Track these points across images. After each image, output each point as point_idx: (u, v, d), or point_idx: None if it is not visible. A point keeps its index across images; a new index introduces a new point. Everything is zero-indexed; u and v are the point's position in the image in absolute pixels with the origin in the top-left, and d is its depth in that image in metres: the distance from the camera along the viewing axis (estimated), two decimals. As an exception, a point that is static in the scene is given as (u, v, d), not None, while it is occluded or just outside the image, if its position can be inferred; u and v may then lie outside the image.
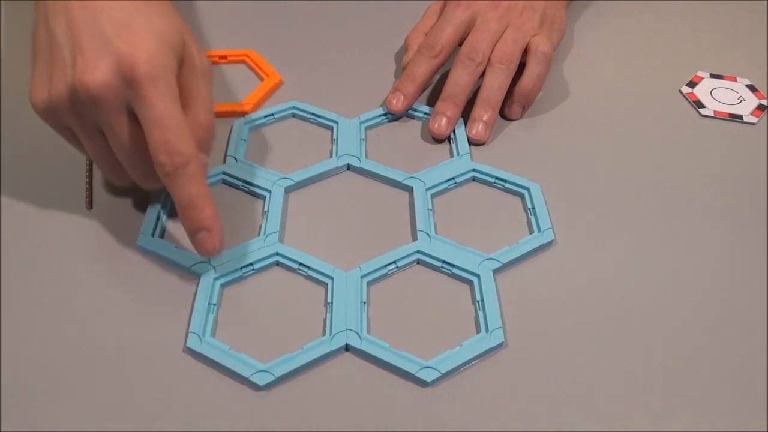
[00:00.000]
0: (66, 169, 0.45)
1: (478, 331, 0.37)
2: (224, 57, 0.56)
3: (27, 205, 0.43)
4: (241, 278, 0.39)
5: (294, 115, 0.51)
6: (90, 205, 0.43)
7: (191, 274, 0.39)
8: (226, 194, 0.44)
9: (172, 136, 0.34)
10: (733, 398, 0.34)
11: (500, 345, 0.36)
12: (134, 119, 0.36)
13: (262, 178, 0.44)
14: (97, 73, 0.34)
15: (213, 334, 0.36)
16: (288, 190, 0.44)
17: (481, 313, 0.37)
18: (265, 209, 0.43)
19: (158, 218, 0.42)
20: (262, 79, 0.54)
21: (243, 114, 0.50)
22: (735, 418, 0.34)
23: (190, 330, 0.36)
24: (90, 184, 0.43)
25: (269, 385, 0.34)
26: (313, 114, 0.50)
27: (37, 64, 0.37)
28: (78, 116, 0.36)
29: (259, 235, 0.41)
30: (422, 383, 0.34)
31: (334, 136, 0.48)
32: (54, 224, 0.42)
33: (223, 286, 0.39)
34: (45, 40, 0.37)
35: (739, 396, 0.34)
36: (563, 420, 0.33)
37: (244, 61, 0.56)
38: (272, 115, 0.50)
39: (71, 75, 0.35)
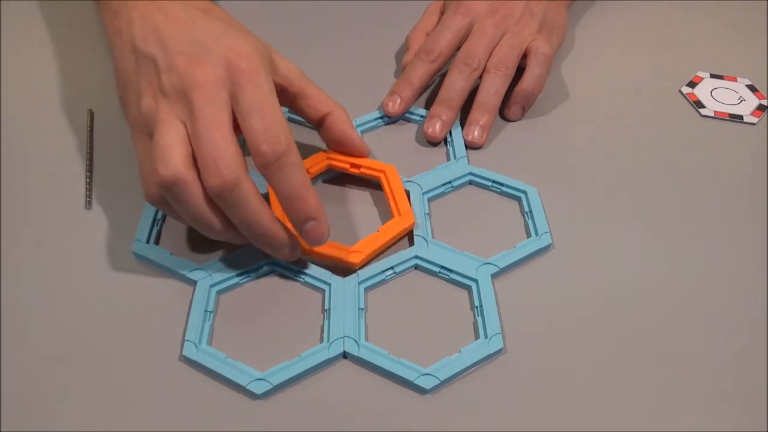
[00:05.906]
0: (66, 169, 0.45)
1: (477, 337, 0.36)
2: None
3: (27, 205, 0.43)
4: (237, 285, 0.39)
5: (288, 120, 0.50)
6: (89, 205, 0.43)
7: (187, 281, 0.39)
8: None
9: (272, 123, 0.34)
10: (733, 398, 0.34)
11: (499, 351, 0.36)
12: None
13: (256, 183, 0.44)
14: (204, 70, 0.35)
15: (209, 342, 0.36)
16: (284, 195, 0.44)
17: (479, 319, 0.37)
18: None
19: (153, 224, 0.41)
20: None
21: None
22: (735, 418, 0.33)
23: (186, 338, 0.35)
24: (90, 184, 0.42)
25: (266, 394, 0.34)
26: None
27: (128, 89, 0.38)
28: (174, 106, 0.36)
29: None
30: (421, 390, 0.34)
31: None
32: (54, 224, 0.42)
33: (219, 293, 0.38)
34: (132, 64, 0.38)
35: (739, 396, 0.34)
36: (564, 425, 0.33)
37: None
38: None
39: (176, 77, 0.35)
